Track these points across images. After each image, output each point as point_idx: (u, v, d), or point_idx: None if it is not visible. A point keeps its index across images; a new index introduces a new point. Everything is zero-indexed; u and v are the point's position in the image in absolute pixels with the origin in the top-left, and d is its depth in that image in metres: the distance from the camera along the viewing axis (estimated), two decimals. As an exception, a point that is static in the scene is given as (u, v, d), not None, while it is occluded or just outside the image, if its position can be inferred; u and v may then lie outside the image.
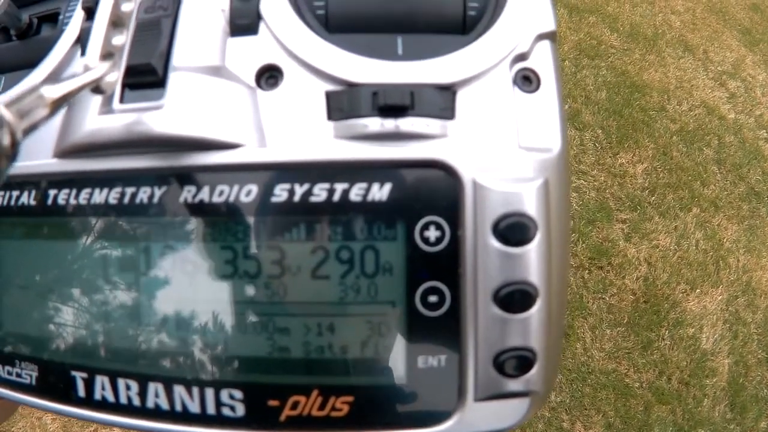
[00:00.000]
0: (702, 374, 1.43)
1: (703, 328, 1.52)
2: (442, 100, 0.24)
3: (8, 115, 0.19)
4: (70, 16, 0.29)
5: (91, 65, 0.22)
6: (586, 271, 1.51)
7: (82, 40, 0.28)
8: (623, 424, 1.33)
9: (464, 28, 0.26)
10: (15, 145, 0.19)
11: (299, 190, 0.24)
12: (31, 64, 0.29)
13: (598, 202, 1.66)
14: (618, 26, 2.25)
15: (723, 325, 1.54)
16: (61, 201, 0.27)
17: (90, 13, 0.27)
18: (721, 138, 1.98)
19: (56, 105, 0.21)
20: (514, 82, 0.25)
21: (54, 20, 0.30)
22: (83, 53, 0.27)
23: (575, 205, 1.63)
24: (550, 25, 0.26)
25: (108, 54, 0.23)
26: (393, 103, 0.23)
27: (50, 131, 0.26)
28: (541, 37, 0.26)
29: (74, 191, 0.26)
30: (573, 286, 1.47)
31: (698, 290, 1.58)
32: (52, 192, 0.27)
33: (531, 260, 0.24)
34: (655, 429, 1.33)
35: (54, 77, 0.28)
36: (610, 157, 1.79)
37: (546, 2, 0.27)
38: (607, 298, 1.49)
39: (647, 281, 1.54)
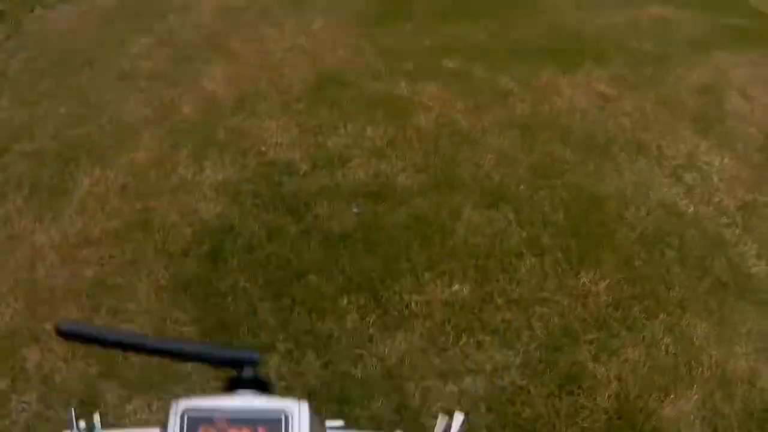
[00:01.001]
0: (685, 476, 1.51)
1: (681, 431, 1.61)
2: None
3: None
4: None
5: None
6: (557, 399, 1.61)
7: None
8: None
9: None
10: None
11: None
12: None
13: (562, 327, 1.77)
14: (570, 138, 2.39)
15: (701, 423, 1.62)
16: None
17: None
18: (681, 236, 2.07)
19: None
20: None
21: None
22: None
23: (540, 334, 1.76)
24: None
25: None
26: None
27: None
28: None
29: None
30: (545, 415, 1.58)
31: (672, 395, 1.66)
32: None
33: None
34: None
35: None
36: (572, 278, 1.91)
37: None
38: (580, 422, 1.58)
39: (619, 397, 1.63)
